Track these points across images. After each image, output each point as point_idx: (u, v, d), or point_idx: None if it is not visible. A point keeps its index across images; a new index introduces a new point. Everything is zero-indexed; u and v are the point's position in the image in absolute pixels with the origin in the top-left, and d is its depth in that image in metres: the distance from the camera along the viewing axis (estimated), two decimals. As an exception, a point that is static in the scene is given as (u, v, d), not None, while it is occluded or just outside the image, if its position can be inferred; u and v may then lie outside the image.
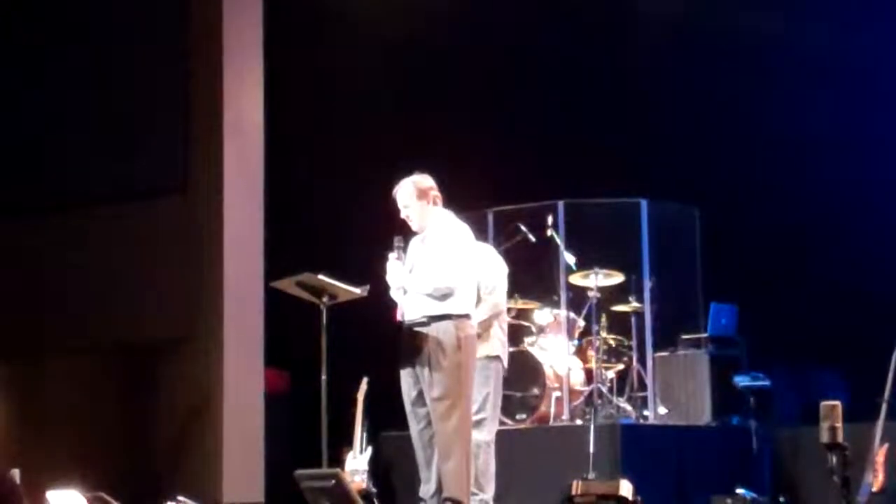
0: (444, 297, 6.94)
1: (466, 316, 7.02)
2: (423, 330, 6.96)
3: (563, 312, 10.76)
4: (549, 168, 11.49)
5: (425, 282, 6.96)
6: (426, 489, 7.10)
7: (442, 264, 6.97)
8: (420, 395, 7.01)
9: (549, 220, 10.73)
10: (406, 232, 7.19)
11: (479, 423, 7.41)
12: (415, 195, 7.13)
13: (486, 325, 7.80)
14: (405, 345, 7.05)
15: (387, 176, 7.42)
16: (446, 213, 7.26)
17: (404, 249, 7.10)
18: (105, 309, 10.51)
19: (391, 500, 9.92)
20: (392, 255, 7.09)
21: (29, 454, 9.95)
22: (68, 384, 10.71)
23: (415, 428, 7.09)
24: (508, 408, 10.22)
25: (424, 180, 7.18)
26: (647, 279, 10.79)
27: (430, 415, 6.98)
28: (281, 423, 10.53)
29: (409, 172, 7.28)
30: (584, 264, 10.64)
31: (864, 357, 9.06)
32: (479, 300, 7.67)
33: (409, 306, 7.02)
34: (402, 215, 7.17)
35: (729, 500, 9.18)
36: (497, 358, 7.95)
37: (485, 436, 7.58)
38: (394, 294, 7.13)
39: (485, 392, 7.66)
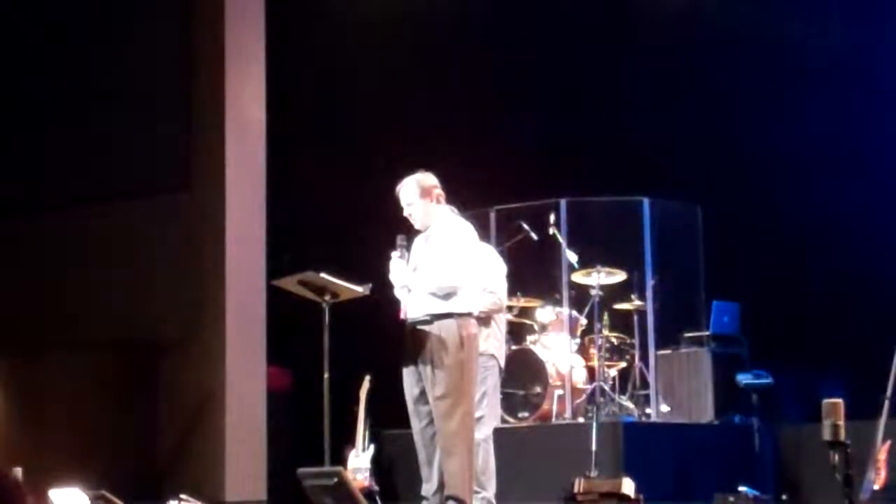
0: (448, 295, 6.94)
1: (469, 315, 7.02)
2: (427, 328, 6.95)
3: (565, 310, 10.77)
4: (552, 166, 11.49)
5: (429, 280, 6.96)
6: (428, 488, 7.10)
7: (445, 263, 6.96)
8: (422, 393, 7.00)
9: (552, 218, 10.73)
10: (409, 230, 7.19)
11: (476, 421, 7.41)
12: (418, 193, 7.11)
13: (485, 321, 7.79)
14: (408, 343, 7.04)
15: (389, 174, 7.42)
16: (450, 211, 7.25)
17: (408, 248, 7.09)
18: (107, 307, 10.53)
19: (393, 499, 9.92)
20: (395, 254, 7.08)
21: (31, 453, 9.96)
22: (71, 382, 10.71)
23: (417, 426, 7.09)
24: (511, 406, 10.23)
25: (428, 178, 7.17)
26: (650, 277, 10.79)
27: (432, 413, 6.97)
28: (283, 422, 10.54)
29: (411, 171, 7.27)
30: (586, 262, 10.64)
31: (866, 355, 9.06)
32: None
33: (413, 305, 7.01)
34: (405, 213, 7.16)
35: (731, 498, 9.17)
36: (494, 357, 7.95)
37: (483, 434, 7.58)
38: (397, 293, 7.12)
39: (482, 391, 7.66)
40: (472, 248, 7.13)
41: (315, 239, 11.12)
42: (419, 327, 6.97)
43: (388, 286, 7.18)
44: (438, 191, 7.15)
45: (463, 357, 6.93)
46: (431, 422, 6.98)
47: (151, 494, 9.07)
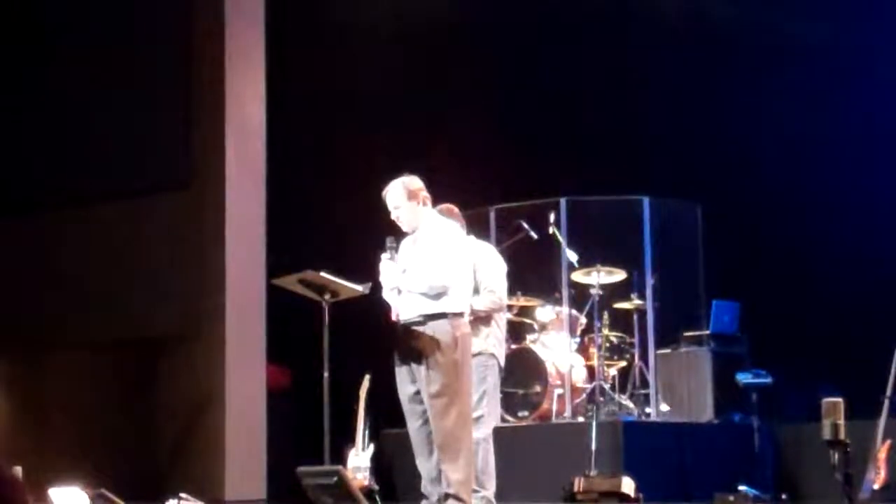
0: (439, 295, 6.94)
1: (461, 314, 7.03)
2: (420, 329, 6.96)
3: (565, 310, 10.76)
4: (552, 165, 11.50)
5: (419, 281, 6.96)
6: (428, 487, 7.10)
7: (435, 263, 6.97)
8: (417, 392, 7.01)
9: (552, 217, 10.72)
10: (397, 233, 7.19)
11: (476, 421, 7.42)
12: (405, 196, 7.13)
13: (484, 320, 7.79)
14: (401, 344, 7.05)
15: (388, 173, 7.42)
16: (435, 212, 7.27)
17: (396, 249, 7.10)
18: (107, 305, 10.53)
19: (393, 497, 9.92)
20: (385, 256, 7.09)
21: (31, 452, 9.96)
22: (71, 381, 10.73)
23: (413, 425, 7.09)
24: (510, 405, 10.23)
25: (414, 181, 7.19)
26: (650, 276, 10.79)
27: (427, 412, 6.98)
28: (283, 420, 10.54)
29: (410, 171, 7.28)
30: (586, 261, 10.64)
31: (866, 354, 9.06)
32: (478, 293, 7.69)
33: (405, 306, 7.02)
34: (393, 216, 7.17)
35: (731, 498, 9.16)
36: (493, 356, 7.94)
37: (483, 433, 7.58)
38: (386, 295, 7.12)
39: (481, 390, 7.66)
40: (460, 247, 7.15)
41: (315, 238, 11.12)
42: (413, 328, 6.98)
43: (381, 287, 7.18)
44: (424, 193, 7.17)
45: (457, 357, 6.94)
46: (427, 421, 6.99)
47: (151, 493, 9.07)
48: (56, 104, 10.99)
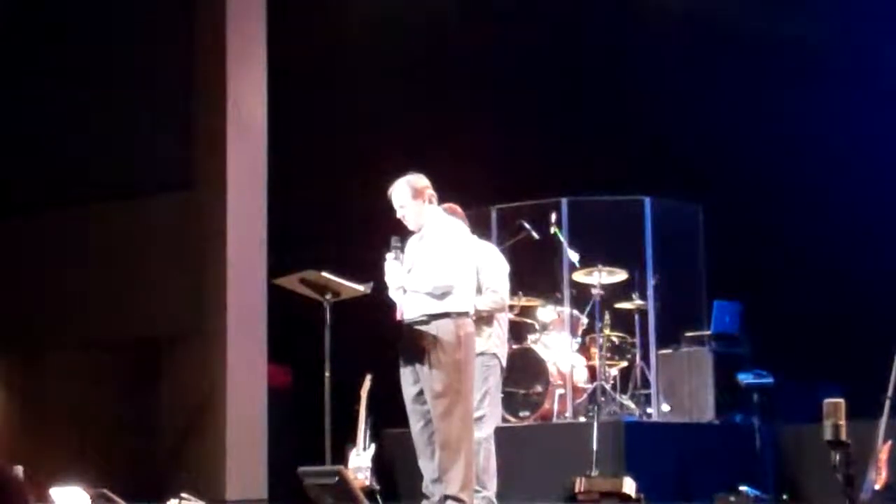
0: (444, 295, 6.93)
1: (466, 314, 7.01)
2: (424, 328, 6.95)
3: (566, 310, 10.76)
4: (553, 166, 11.49)
5: (424, 280, 6.95)
6: (429, 487, 7.09)
7: (440, 262, 6.95)
8: (420, 393, 7.00)
9: (553, 217, 10.71)
10: (403, 232, 7.18)
11: (477, 421, 7.41)
12: (410, 195, 7.11)
13: (487, 320, 7.78)
14: (405, 343, 7.04)
15: (390, 173, 7.42)
16: (442, 211, 7.26)
17: (402, 249, 7.09)
18: (108, 305, 10.54)
19: (394, 497, 9.92)
20: (390, 256, 7.08)
21: (32, 452, 9.96)
22: (72, 381, 10.73)
23: (415, 425, 7.09)
24: (512, 405, 10.22)
25: (419, 180, 7.17)
26: (651, 277, 10.79)
27: (430, 412, 6.97)
28: (284, 420, 10.54)
29: (411, 170, 7.27)
30: (587, 262, 10.64)
31: (866, 354, 9.05)
32: (481, 292, 7.68)
33: (409, 305, 7.01)
34: (398, 215, 7.16)
35: (732, 498, 9.16)
36: (496, 356, 7.94)
37: (484, 433, 7.58)
38: (392, 294, 7.12)
39: (483, 390, 7.65)
40: (465, 246, 7.13)
41: (316, 237, 11.11)
42: (416, 327, 6.97)
43: (387, 286, 7.18)
44: (430, 191, 7.15)
45: (460, 356, 6.92)
46: (430, 421, 6.98)
47: (152, 492, 9.07)
48: (57, 104, 10.99)
